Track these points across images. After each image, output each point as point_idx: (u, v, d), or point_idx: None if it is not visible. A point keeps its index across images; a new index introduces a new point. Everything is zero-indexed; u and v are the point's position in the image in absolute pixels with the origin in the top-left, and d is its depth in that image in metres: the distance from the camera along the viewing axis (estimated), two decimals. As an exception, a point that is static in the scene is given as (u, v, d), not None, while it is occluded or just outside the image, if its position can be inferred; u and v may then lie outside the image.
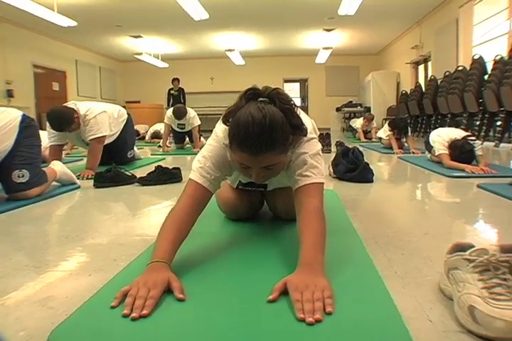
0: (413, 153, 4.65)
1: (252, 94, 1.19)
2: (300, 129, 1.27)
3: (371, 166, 2.81)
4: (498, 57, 5.60)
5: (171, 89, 10.31)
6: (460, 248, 1.03)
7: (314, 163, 1.31)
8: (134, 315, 0.85)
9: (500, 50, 6.15)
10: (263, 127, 1.09)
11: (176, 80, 10.22)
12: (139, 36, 10.25)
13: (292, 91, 14.85)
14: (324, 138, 6.74)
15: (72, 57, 11.00)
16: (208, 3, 7.31)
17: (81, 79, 11.34)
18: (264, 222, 1.71)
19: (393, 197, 2.37)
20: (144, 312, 0.86)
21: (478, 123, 6.05)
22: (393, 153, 4.78)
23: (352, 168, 2.73)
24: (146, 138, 7.62)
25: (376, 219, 1.84)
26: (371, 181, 2.71)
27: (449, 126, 6.87)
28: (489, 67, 5.98)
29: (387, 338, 0.78)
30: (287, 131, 1.18)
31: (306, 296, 0.89)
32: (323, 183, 1.30)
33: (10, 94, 8.75)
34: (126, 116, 3.82)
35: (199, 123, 5.53)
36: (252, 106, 1.15)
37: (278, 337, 0.79)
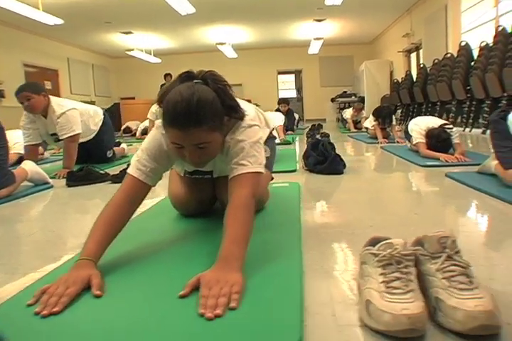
0: (397, 142, 4.63)
1: (186, 77, 1.22)
2: (235, 111, 1.29)
3: (347, 157, 2.81)
4: (483, 44, 5.55)
5: (163, 84, 10.28)
6: (375, 242, 1.03)
7: (252, 151, 1.30)
8: (43, 312, 0.86)
9: (488, 36, 6.09)
10: (190, 102, 1.12)
11: (168, 76, 10.17)
12: (130, 32, 10.22)
13: (287, 83, 14.79)
14: (314, 129, 6.75)
15: (64, 55, 10.98)
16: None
17: (74, 77, 11.33)
18: (215, 217, 1.71)
19: (357, 189, 2.36)
20: (55, 309, 0.87)
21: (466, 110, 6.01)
22: (377, 142, 4.76)
23: (321, 159, 2.73)
24: (137, 134, 7.63)
25: (330, 211, 1.84)
26: (341, 172, 2.71)
27: (439, 113, 6.85)
28: (476, 53, 5.93)
29: (274, 337, 0.78)
30: (218, 109, 1.20)
31: (213, 292, 0.90)
32: (259, 173, 1.29)
33: (1, 94, 8.75)
34: (102, 116, 3.81)
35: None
36: (182, 86, 1.18)
37: (174, 332, 0.80)
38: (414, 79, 8.13)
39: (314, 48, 11.19)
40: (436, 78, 6.81)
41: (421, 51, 9.07)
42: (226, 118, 1.27)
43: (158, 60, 11.89)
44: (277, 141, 3.51)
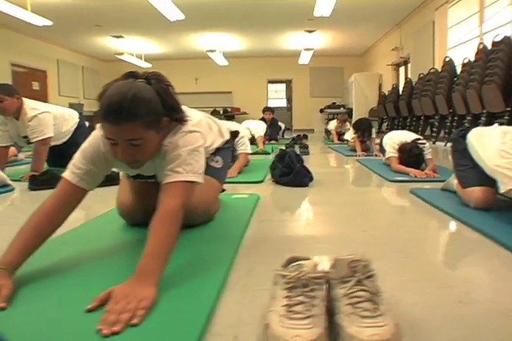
0: (376, 155, 4.61)
1: (129, 76, 1.22)
2: (176, 111, 1.28)
3: (321, 169, 2.78)
4: (465, 60, 5.58)
5: None
6: (292, 261, 0.99)
7: (189, 159, 1.27)
8: None
9: (472, 53, 6.12)
10: (125, 96, 1.11)
11: None
12: (121, 36, 10.19)
13: (278, 92, 14.82)
14: (297, 139, 6.75)
15: (54, 57, 10.92)
16: (185, 3, 7.30)
17: (62, 78, 11.26)
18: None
19: (316, 202, 2.33)
20: None
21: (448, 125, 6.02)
22: (356, 155, 4.74)
23: (287, 171, 2.70)
24: None
25: (281, 225, 1.81)
26: (306, 185, 2.68)
27: (423, 127, 6.88)
28: (460, 70, 5.96)
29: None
30: (156, 108, 1.19)
31: (118, 307, 0.87)
32: (193, 182, 1.26)
33: (-13, 93, 8.68)
34: (77, 119, 3.77)
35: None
36: (122, 82, 1.18)
37: None
38: (401, 93, 8.16)
39: (305, 59, 11.23)
40: (420, 92, 6.84)
41: (409, 65, 9.13)
42: (166, 120, 1.25)
43: (149, 65, 11.86)
44: (249, 150, 3.48)
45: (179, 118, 1.36)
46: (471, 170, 2.00)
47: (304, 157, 3.00)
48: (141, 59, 11.56)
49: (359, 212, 2.05)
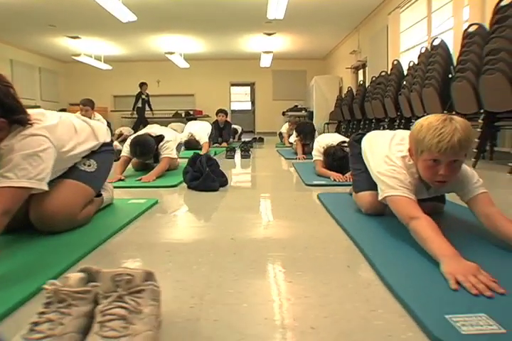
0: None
1: None
2: (15, 113, 1.24)
3: (255, 172, 2.69)
4: (411, 64, 5.62)
5: (141, 93, 10.44)
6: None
7: (24, 163, 1.23)
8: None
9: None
10: None
11: (144, 85, 10.35)
12: (77, 37, 9.96)
13: (243, 95, 14.78)
14: (247, 142, 6.69)
15: (7, 57, 10.59)
16: (138, 5, 7.21)
17: (17, 80, 10.88)
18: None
19: (213, 207, 2.23)
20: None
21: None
22: (295, 158, 4.70)
23: (197, 175, 2.62)
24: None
25: (154, 232, 1.71)
26: (215, 189, 2.61)
27: (375, 130, 6.89)
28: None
29: None
30: None
31: None
32: (24, 188, 1.22)
33: None
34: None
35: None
36: None
37: None
38: (354, 96, 8.21)
39: (266, 61, 11.20)
40: (372, 95, 6.87)
41: (367, 68, 9.19)
42: (2, 121, 1.22)
43: (109, 67, 11.66)
44: (173, 155, 3.39)
45: (20, 120, 1.29)
46: (363, 175, 1.95)
47: (244, 160, 2.93)
48: (101, 60, 11.34)
49: (247, 218, 1.97)
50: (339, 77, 10.92)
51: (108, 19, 7.93)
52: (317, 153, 3.30)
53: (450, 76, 4.54)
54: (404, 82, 5.72)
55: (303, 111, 11.57)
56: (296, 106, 11.98)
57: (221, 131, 7.19)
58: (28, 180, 1.26)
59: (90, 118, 5.29)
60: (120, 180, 3.00)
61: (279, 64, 12.24)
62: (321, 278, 1.15)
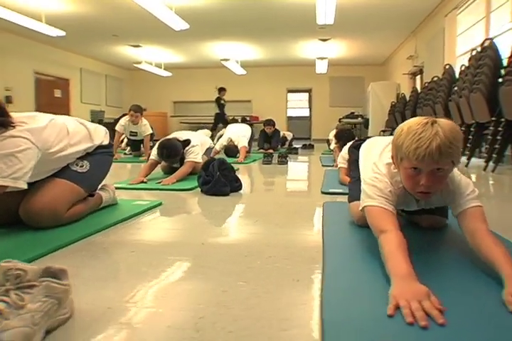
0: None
1: None
2: None
3: (279, 179, 2.66)
4: (463, 68, 5.31)
5: (220, 98, 10.44)
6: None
7: None
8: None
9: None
10: None
11: (223, 90, 10.34)
12: (138, 45, 10.45)
13: (301, 101, 14.70)
14: (294, 149, 6.66)
15: (77, 66, 11.34)
16: (191, 13, 7.45)
17: (85, 86, 11.66)
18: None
19: (211, 213, 2.23)
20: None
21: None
22: (332, 165, 4.59)
23: (209, 180, 2.63)
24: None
25: (135, 233, 1.74)
26: (226, 194, 2.60)
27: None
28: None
29: None
30: None
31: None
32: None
33: (8, 100, 9.12)
34: None
35: (150, 132, 5.56)
36: None
37: None
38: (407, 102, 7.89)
39: (321, 68, 11.09)
40: (423, 102, 6.58)
41: (424, 74, 8.81)
42: None
43: (169, 74, 12.09)
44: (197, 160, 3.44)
45: (1, 123, 1.38)
46: (357, 183, 1.86)
47: (278, 167, 2.92)
48: (161, 68, 11.79)
49: (236, 223, 1.95)
50: (396, 84, 10.57)
51: (164, 28, 8.25)
52: (341, 160, 3.20)
53: (500, 80, 4.24)
54: (456, 88, 5.42)
55: (359, 118, 11.32)
56: (353, 113, 11.75)
57: (270, 139, 7.23)
58: (1, 179, 1.33)
59: (138, 123, 5.50)
60: (142, 182, 3.08)
61: (336, 70, 12.08)
62: (259, 290, 1.10)
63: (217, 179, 2.57)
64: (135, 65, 11.27)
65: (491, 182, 3.63)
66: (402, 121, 6.22)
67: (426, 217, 1.73)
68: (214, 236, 1.70)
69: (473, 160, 4.78)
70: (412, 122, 1.24)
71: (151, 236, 1.73)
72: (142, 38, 9.74)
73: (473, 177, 3.92)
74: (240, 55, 11.16)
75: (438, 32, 7.55)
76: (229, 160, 5.06)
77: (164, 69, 11.90)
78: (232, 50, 10.62)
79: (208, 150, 3.87)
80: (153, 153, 3.41)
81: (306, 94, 14.49)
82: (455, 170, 1.39)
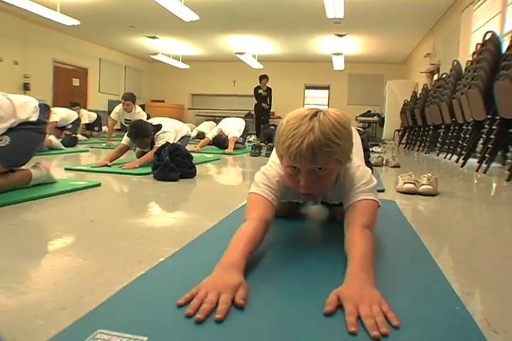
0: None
1: None
2: None
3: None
4: (468, 64, 5.07)
5: (258, 87, 9.72)
6: None
7: None
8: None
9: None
10: None
11: (264, 78, 9.49)
12: (155, 37, 10.50)
13: (321, 98, 14.49)
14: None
15: (97, 56, 11.50)
16: (201, 5, 7.41)
17: (104, 76, 11.82)
18: None
19: (147, 195, 2.20)
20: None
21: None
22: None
23: (158, 164, 2.58)
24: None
25: (40, 208, 1.71)
26: (174, 180, 2.55)
27: (431, 138, 6.37)
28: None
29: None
30: None
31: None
32: None
33: (26, 87, 9.36)
34: None
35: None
36: None
37: None
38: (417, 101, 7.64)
39: (338, 64, 10.89)
40: (431, 100, 6.35)
41: (440, 72, 8.52)
42: None
43: (186, 66, 12.12)
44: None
45: None
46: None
47: (267, 159, 2.86)
48: (179, 60, 11.83)
49: (159, 208, 1.90)
50: (414, 82, 10.25)
51: (177, 20, 8.25)
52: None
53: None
54: (460, 85, 5.19)
55: (375, 117, 11.07)
56: (370, 111, 11.50)
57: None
58: None
59: (131, 111, 5.51)
60: (106, 165, 3.06)
61: (355, 67, 11.85)
62: (94, 262, 1.05)
63: (166, 164, 2.52)
64: (152, 56, 11.34)
65: (479, 183, 3.44)
66: (412, 119, 6.02)
67: (340, 211, 1.62)
68: (112, 216, 1.65)
69: (471, 160, 4.56)
70: (293, 114, 1.11)
71: (51, 213, 1.69)
72: (158, 29, 9.78)
73: (461, 178, 3.75)
74: (255, 49, 11.07)
75: (455, 29, 7.27)
76: (219, 150, 5.13)
77: (182, 61, 11.93)
78: (246, 43, 10.55)
79: (185, 138, 3.82)
80: (124, 138, 3.39)
81: (327, 92, 14.27)
82: (355, 159, 1.28)
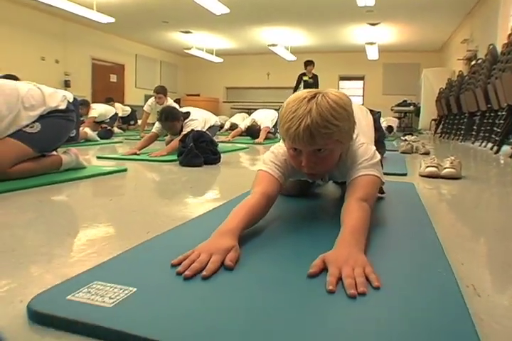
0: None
1: None
2: None
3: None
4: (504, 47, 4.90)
5: (303, 74, 9.18)
6: None
7: None
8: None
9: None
10: None
11: (310, 64, 8.97)
12: (189, 32, 10.65)
13: (354, 89, 14.28)
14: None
15: (133, 52, 11.79)
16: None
17: (140, 72, 12.11)
18: None
19: (168, 183, 2.28)
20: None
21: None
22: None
23: (183, 151, 2.67)
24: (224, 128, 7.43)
25: (59, 193, 1.82)
26: (199, 165, 2.63)
27: (466, 127, 6.20)
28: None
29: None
30: None
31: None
32: None
33: (67, 84, 9.74)
34: None
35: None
36: None
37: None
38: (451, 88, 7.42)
39: (372, 54, 10.71)
40: (466, 86, 6.17)
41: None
42: None
43: (220, 60, 12.24)
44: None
45: None
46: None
47: None
48: (213, 54, 11.95)
49: (172, 191, 1.97)
50: (451, 70, 9.95)
51: (209, 14, 8.34)
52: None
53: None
54: (495, 69, 5.02)
55: (411, 107, 10.83)
56: (405, 100, 11.25)
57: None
58: None
59: (163, 104, 5.65)
60: (135, 154, 3.19)
61: (389, 57, 11.62)
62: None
63: (190, 150, 2.60)
64: (185, 51, 11.52)
65: (507, 168, 3.35)
66: (447, 108, 5.84)
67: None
68: (131, 195, 1.74)
69: (506, 148, 4.42)
70: (293, 97, 1.13)
71: (77, 193, 1.80)
72: (191, 24, 9.91)
73: (490, 164, 3.65)
74: (288, 40, 11.03)
75: (493, 12, 7.00)
76: (250, 140, 5.19)
77: (216, 55, 12.05)
78: (279, 35, 10.53)
79: (213, 128, 3.89)
80: (155, 126, 3.51)
81: (361, 82, 14.05)
82: (360, 137, 1.30)
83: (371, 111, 1.82)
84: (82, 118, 5.72)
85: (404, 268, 0.89)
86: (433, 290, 0.78)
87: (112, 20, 8.07)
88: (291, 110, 1.08)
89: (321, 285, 0.77)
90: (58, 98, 2.09)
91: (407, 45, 11.29)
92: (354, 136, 1.24)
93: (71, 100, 2.19)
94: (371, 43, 9.89)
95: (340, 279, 0.78)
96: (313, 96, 1.08)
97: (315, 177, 1.29)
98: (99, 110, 6.70)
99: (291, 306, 0.70)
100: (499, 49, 5.48)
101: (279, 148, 1.29)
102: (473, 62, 8.60)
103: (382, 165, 1.32)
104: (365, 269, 0.81)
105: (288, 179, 1.31)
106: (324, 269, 0.83)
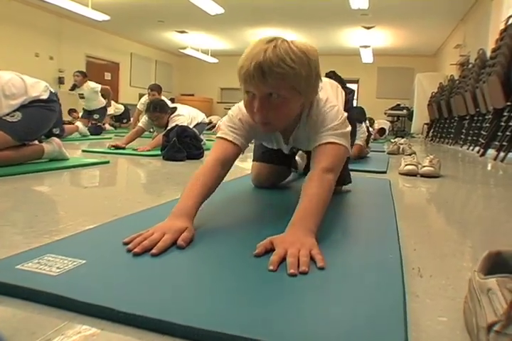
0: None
1: None
2: None
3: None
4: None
5: None
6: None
7: None
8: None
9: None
10: None
11: None
12: (184, 31, 10.67)
13: (350, 92, 14.32)
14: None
15: (128, 50, 11.80)
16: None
17: (134, 70, 12.12)
18: None
19: (139, 175, 2.30)
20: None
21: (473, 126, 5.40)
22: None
23: (166, 145, 2.69)
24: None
25: (33, 180, 1.84)
26: (180, 160, 2.66)
27: (456, 130, 6.26)
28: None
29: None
30: None
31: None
32: None
33: (61, 81, 9.73)
34: None
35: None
36: None
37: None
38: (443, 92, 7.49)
39: (367, 57, 10.77)
40: (456, 90, 6.23)
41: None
42: None
43: (215, 60, 12.26)
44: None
45: None
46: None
47: None
48: (208, 54, 11.98)
49: (141, 183, 2.00)
50: (444, 75, 10.01)
51: (204, 14, 8.36)
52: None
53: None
54: (484, 73, 5.08)
55: (404, 111, 10.90)
56: (399, 104, 11.32)
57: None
58: None
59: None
60: (121, 147, 3.21)
61: (384, 60, 11.70)
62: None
63: (172, 144, 2.63)
64: (180, 51, 11.54)
65: (488, 169, 3.40)
66: (438, 112, 5.90)
67: None
68: (105, 184, 1.76)
69: (490, 151, 4.47)
70: (258, 39, 1.08)
71: (54, 181, 1.82)
72: (186, 23, 9.93)
73: (472, 165, 3.70)
74: (283, 42, 11.06)
75: (485, 18, 7.07)
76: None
77: (211, 55, 12.07)
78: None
79: (200, 124, 3.90)
80: (141, 121, 3.54)
81: (356, 86, 14.11)
82: (332, 99, 1.24)
83: (345, 88, 1.65)
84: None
85: (356, 254, 0.92)
86: (377, 271, 0.80)
87: (107, 18, 8.07)
88: (248, 51, 1.04)
89: (266, 265, 0.77)
90: (40, 88, 2.11)
91: (402, 50, 11.38)
92: (322, 95, 1.19)
93: (53, 90, 2.21)
94: (365, 46, 9.95)
95: (284, 259, 0.78)
96: (277, 39, 1.04)
97: (268, 129, 1.16)
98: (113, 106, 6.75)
99: (232, 285, 0.70)
100: (488, 53, 5.56)
101: (236, 107, 1.25)
102: (464, 67, 8.70)
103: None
104: (312, 250, 0.82)
105: (249, 139, 1.24)
106: (271, 250, 0.83)
